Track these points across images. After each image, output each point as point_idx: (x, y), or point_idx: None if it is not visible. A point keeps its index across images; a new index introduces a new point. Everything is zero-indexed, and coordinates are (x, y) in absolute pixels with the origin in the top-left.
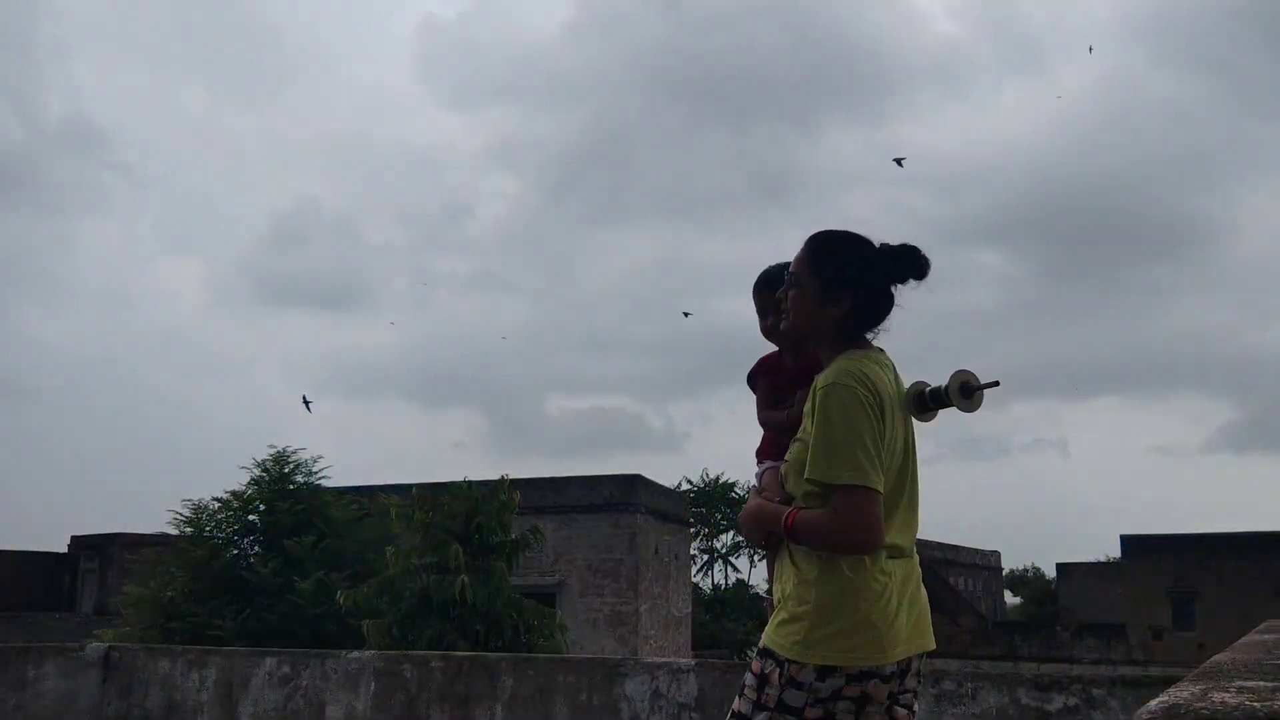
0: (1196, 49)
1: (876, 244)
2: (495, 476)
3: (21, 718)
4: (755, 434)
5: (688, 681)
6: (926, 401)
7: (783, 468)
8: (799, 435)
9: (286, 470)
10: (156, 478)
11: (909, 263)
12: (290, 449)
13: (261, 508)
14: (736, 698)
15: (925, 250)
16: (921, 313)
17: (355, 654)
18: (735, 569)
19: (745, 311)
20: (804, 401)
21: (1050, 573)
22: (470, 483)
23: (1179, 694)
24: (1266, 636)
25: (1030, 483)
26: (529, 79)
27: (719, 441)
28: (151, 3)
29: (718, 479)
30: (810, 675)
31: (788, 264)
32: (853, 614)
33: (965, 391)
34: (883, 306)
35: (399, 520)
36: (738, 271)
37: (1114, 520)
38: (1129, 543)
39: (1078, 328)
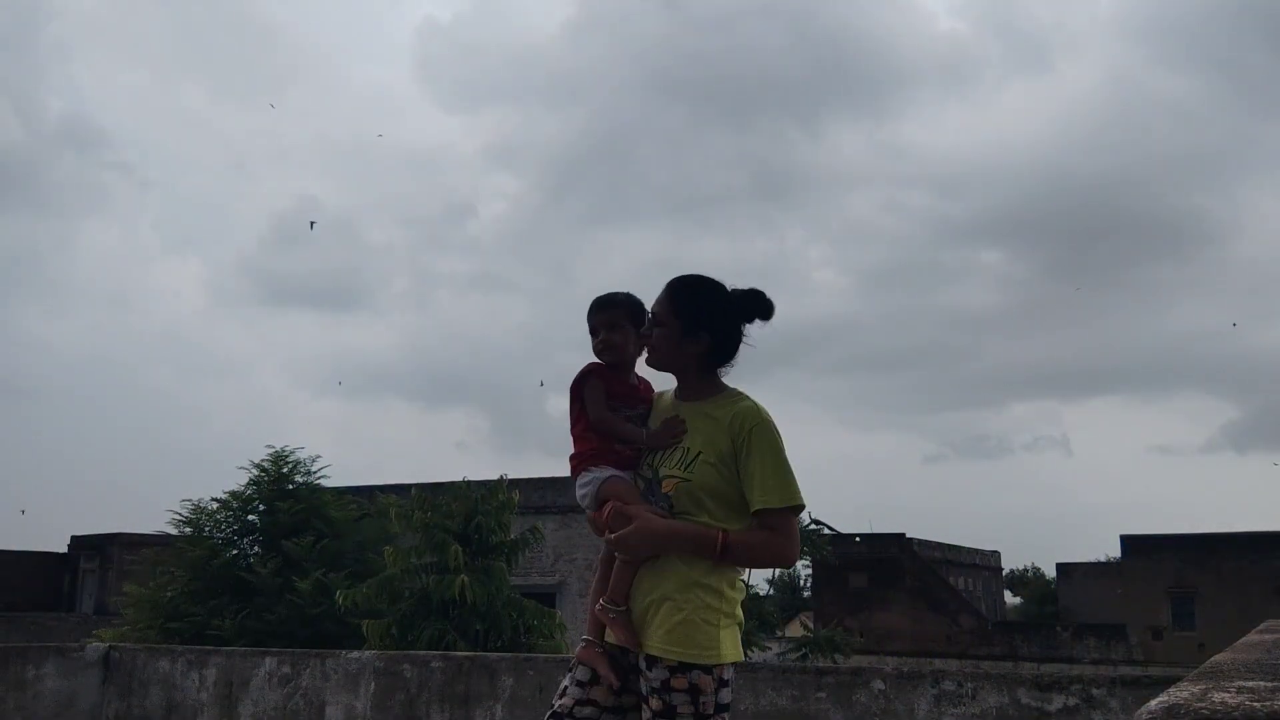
0: (1199, 48)
1: (729, 288)
2: (496, 476)
3: (21, 718)
4: None
5: None
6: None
7: (673, 485)
8: (701, 456)
9: (285, 470)
10: (156, 478)
11: (757, 305)
12: (289, 449)
13: (261, 508)
14: None
15: (770, 294)
16: (922, 312)
17: (355, 654)
18: None
19: None
20: (676, 425)
21: (1050, 573)
22: (470, 483)
23: (1179, 694)
24: (1266, 636)
25: (1030, 482)
26: (529, 79)
27: None
28: (152, 3)
29: None
30: (730, 672)
31: (622, 293)
32: (734, 613)
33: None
34: (736, 344)
35: (399, 520)
36: (739, 271)
37: (1114, 520)
38: (1129, 543)
39: (1079, 327)
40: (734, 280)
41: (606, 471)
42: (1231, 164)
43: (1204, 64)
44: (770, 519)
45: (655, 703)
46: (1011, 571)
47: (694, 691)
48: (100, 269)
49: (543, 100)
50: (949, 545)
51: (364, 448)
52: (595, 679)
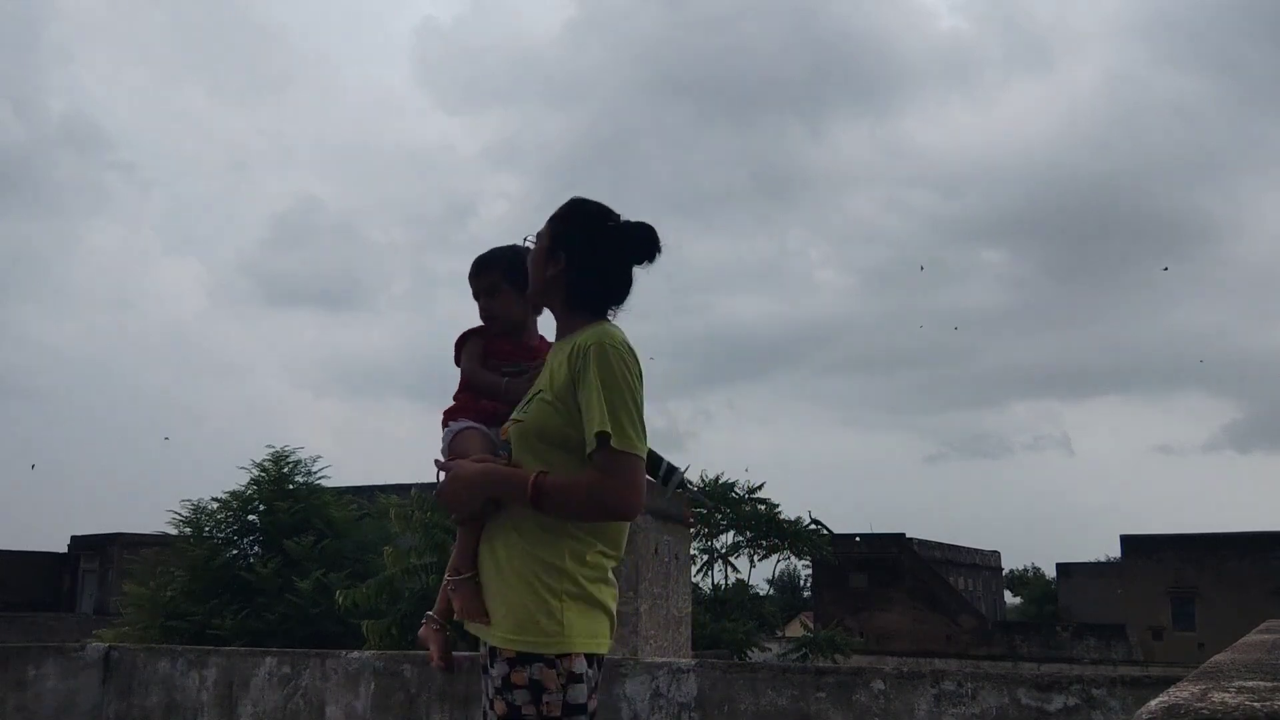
0: (1200, 47)
1: (621, 219)
2: None
3: (21, 718)
4: (753, 431)
5: (688, 681)
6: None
7: (511, 429)
8: (540, 394)
9: (285, 470)
10: (156, 478)
11: (636, 240)
12: (289, 449)
13: (261, 508)
14: None
15: (661, 236)
16: (923, 312)
17: (355, 654)
18: (735, 569)
19: (747, 311)
20: (536, 374)
21: (1050, 573)
22: None
23: (1179, 694)
24: (1266, 636)
25: (1030, 482)
26: (530, 79)
27: (721, 441)
28: (152, 4)
29: (717, 479)
30: (583, 665)
31: (501, 248)
32: (585, 591)
33: (665, 479)
34: (623, 283)
35: (399, 520)
36: (740, 270)
37: (1114, 520)
38: (1129, 542)
39: (1080, 326)
40: (736, 279)
41: (462, 424)
42: (1233, 163)
43: (1205, 64)
44: (597, 458)
45: (499, 704)
46: (1011, 571)
47: (536, 688)
48: (100, 269)
49: (543, 100)
50: (949, 545)
51: (364, 448)
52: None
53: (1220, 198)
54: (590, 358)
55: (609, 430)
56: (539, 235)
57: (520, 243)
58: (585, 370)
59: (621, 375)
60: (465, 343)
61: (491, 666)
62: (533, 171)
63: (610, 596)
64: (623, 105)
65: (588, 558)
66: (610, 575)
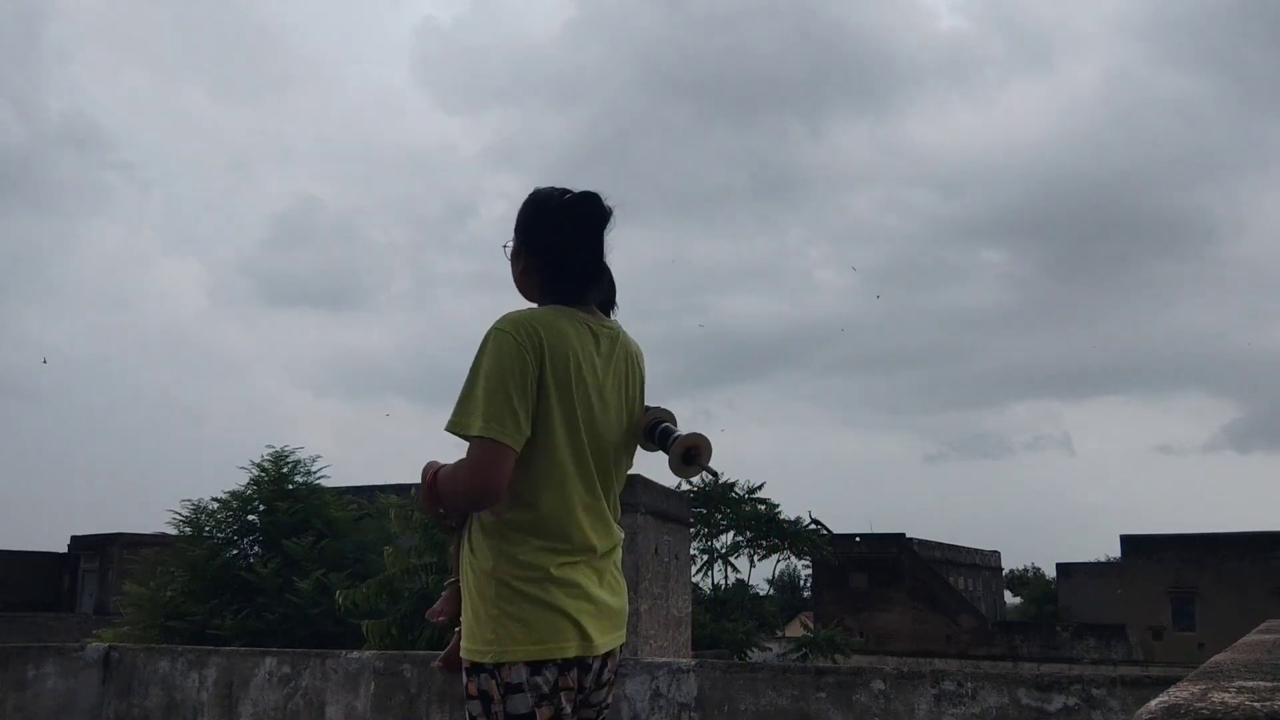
0: (1201, 47)
1: (564, 196)
2: None
3: (22, 718)
4: (753, 431)
5: (688, 681)
6: (654, 434)
7: None
8: None
9: (285, 470)
10: (156, 478)
11: (583, 214)
12: (289, 449)
13: (261, 508)
14: None
15: (605, 197)
16: (924, 311)
17: (355, 654)
18: (735, 569)
19: (747, 311)
20: None
21: (1050, 573)
22: None
23: (1179, 694)
24: (1266, 636)
25: (1031, 482)
26: (530, 79)
27: (722, 440)
28: (152, 4)
29: (717, 479)
30: (522, 674)
31: None
32: (520, 593)
33: (687, 458)
34: (574, 261)
35: (398, 520)
36: (741, 270)
37: (1114, 520)
38: (1129, 542)
39: (1081, 326)
40: (736, 279)
41: None
42: (1235, 163)
43: (1206, 63)
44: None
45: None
46: (1011, 571)
47: (485, 699)
48: (101, 269)
49: (544, 100)
50: (949, 545)
51: (364, 448)
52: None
53: (1220, 197)
54: (480, 347)
55: (455, 424)
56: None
57: (503, 249)
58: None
59: (487, 356)
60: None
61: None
62: (533, 171)
63: (564, 595)
64: (623, 105)
65: (520, 557)
66: (562, 572)
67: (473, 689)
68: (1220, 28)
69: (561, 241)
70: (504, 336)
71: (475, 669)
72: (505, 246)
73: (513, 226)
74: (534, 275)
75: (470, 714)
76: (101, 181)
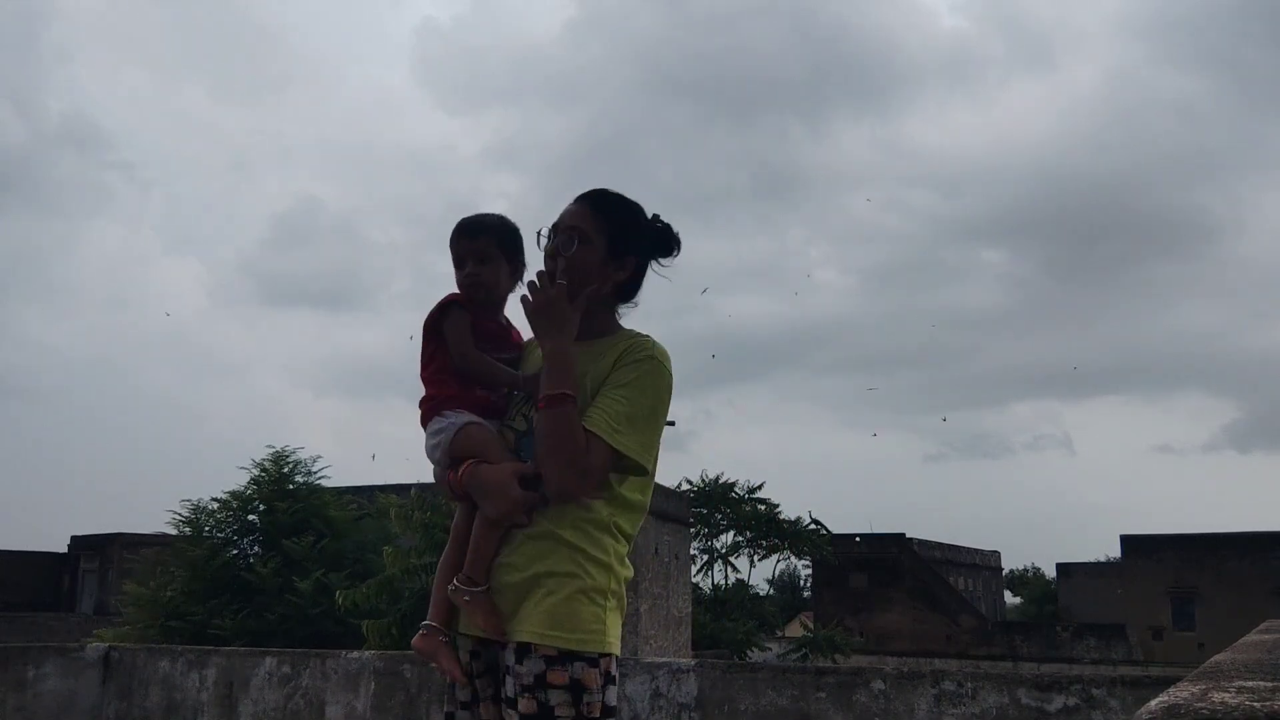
0: (1202, 46)
1: (658, 218)
2: None
3: (22, 718)
4: (753, 431)
5: (688, 681)
6: None
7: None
8: (594, 389)
9: (285, 470)
10: (156, 478)
11: (673, 241)
12: (289, 449)
13: (261, 508)
14: None
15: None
16: (924, 311)
17: (355, 654)
18: (735, 569)
19: (748, 310)
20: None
21: (1050, 573)
22: None
23: (1179, 694)
24: (1266, 636)
25: (1031, 482)
26: (530, 79)
27: (722, 441)
28: (152, 4)
29: (717, 479)
30: (616, 667)
31: (492, 215)
32: (623, 595)
33: None
34: (642, 279)
35: (399, 520)
36: (741, 270)
37: (1114, 520)
38: (1129, 542)
39: (1081, 326)
40: (737, 279)
41: (464, 417)
42: (1235, 162)
43: (1207, 63)
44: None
45: (526, 703)
46: (1011, 571)
47: (576, 688)
48: (101, 269)
49: (544, 100)
50: (949, 545)
51: (364, 448)
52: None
53: (1220, 197)
54: (644, 367)
55: (635, 446)
56: (578, 231)
57: (536, 235)
58: (628, 369)
59: (662, 389)
60: (447, 314)
61: (520, 664)
62: (533, 171)
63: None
64: (623, 105)
65: (627, 560)
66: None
67: (559, 678)
68: (1220, 28)
69: (646, 257)
70: (668, 371)
71: (565, 657)
72: (542, 232)
73: (580, 221)
74: (621, 278)
75: (544, 702)
76: (101, 181)
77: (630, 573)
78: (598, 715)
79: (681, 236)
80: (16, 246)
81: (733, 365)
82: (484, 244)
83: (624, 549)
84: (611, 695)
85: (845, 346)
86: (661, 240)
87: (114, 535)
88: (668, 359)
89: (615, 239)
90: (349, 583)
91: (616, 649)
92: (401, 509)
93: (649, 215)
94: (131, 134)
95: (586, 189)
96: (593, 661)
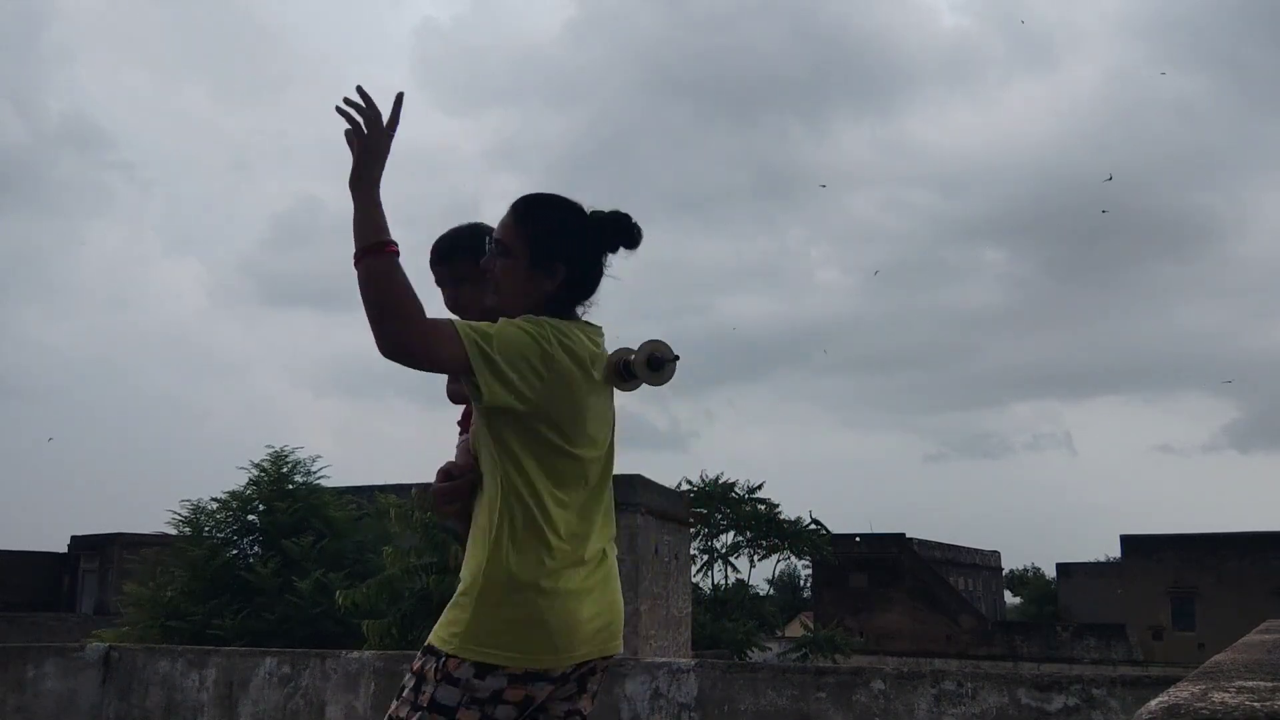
0: (1203, 46)
1: (587, 209)
2: None
3: (22, 718)
4: (753, 431)
5: (688, 681)
6: (622, 371)
7: (471, 440)
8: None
9: (285, 470)
10: (156, 478)
11: (620, 230)
12: (288, 449)
13: (260, 508)
14: (394, 700)
15: (637, 219)
16: (924, 311)
17: (355, 654)
18: (735, 569)
19: (747, 311)
20: None
21: (1050, 573)
22: None
23: (1179, 694)
24: (1266, 636)
25: (1031, 482)
26: (530, 79)
27: (722, 441)
28: (152, 4)
29: (717, 479)
30: (468, 672)
31: (464, 230)
32: (522, 607)
33: (653, 364)
34: (594, 277)
35: (399, 520)
36: (741, 270)
37: (1115, 520)
38: (1129, 542)
39: (1081, 326)
40: (737, 279)
41: (463, 437)
42: (1236, 162)
43: (1208, 62)
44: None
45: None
46: (1011, 571)
47: (420, 676)
48: (101, 269)
49: (544, 100)
50: (949, 545)
51: (364, 448)
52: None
53: (1221, 197)
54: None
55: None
56: (501, 245)
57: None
58: None
59: (516, 329)
60: None
61: None
62: (533, 171)
63: (555, 609)
64: (623, 105)
65: (553, 537)
66: (551, 581)
67: (416, 665)
68: (1220, 28)
69: (597, 259)
70: (535, 325)
71: (428, 651)
72: (490, 241)
73: (506, 232)
74: (551, 287)
75: (401, 680)
76: (101, 181)
77: (531, 567)
78: (425, 705)
79: (681, 236)
80: (16, 246)
81: (733, 365)
82: (459, 265)
83: (505, 543)
84: (447, 694)
85: (845, 346)
86: (608, 236)
87: (114, 535)
88: (541, 326)
89: (538, 248)
90: (349, 583)
91: (469, 653)
92: (401, 509)
93: (589, 213)
94: (131, 134)
95: (587, 190)
96: (438, 658)
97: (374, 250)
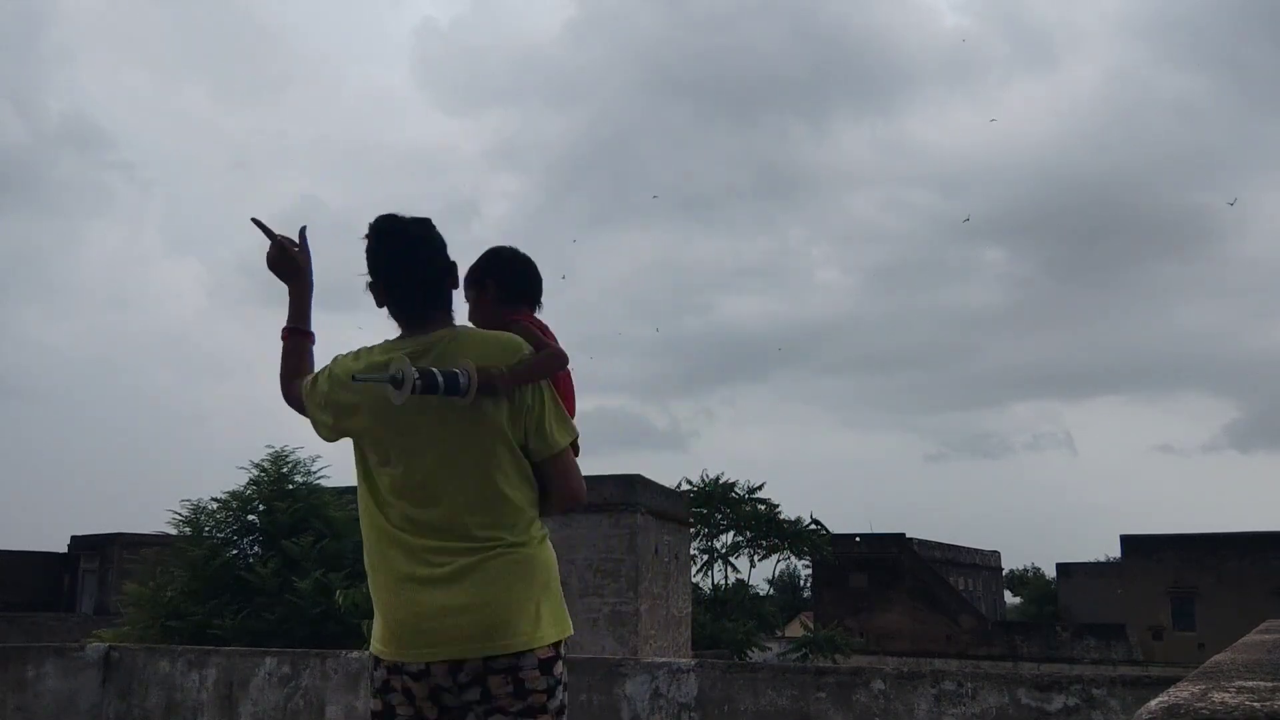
0: (1203, 46)
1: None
2: None
3: (22, 718)
4: (753, 431)
5: (688, 681)
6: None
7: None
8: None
9: (285, 470)
10: (156, 478)
11: (372, 234)
12: (288, 449)
13: (260, 508)
14: None
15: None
16: (925, 310)
17: (355, 654)
18: (735, 569)
19: (747, 311)
20: None
21: (1050, 573)
22: None
23: (1179, 694)
24: (1266, 636)
25: (1031, 482)
26: (530, 79)
27: (722, 440)
28: (152, 5)
29: (717, 479)
30: (370, 663)
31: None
32: (378, 605)
33: (394, 381)
34: (382, 289)
35: None
36: (741, 270)
37: (1115, 520)
38: (1129, 542)
39: (1081, 326)
40: (737, 279)
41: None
42: (1236, 162)
43: (1208, 62)
44: None
45: None
46: (1011, 571)
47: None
48: (101, 269)
49: (544, 100)
50: (949, 545)
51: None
52: None
53: (1221, 197)
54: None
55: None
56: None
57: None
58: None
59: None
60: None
61: None
62: (533, 171)
63: (379, 602)
64: (623, 105)
65: (371, 553)
66: (371, 582)
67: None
68: (1220, 28)
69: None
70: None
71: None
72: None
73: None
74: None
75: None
76: (102, 181)
77: (370, 575)
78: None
79: (681, 236)
80: (16, 246)
81: (733, 365)
82: (473, 288)
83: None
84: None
85: (846, 346)
86: (371, 244)
87: (114, 535)
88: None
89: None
90: (349, 583)
91: (378, 651)
92: None
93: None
94: (131, 134)
95: (587, 189)
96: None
97: (283, 333)
